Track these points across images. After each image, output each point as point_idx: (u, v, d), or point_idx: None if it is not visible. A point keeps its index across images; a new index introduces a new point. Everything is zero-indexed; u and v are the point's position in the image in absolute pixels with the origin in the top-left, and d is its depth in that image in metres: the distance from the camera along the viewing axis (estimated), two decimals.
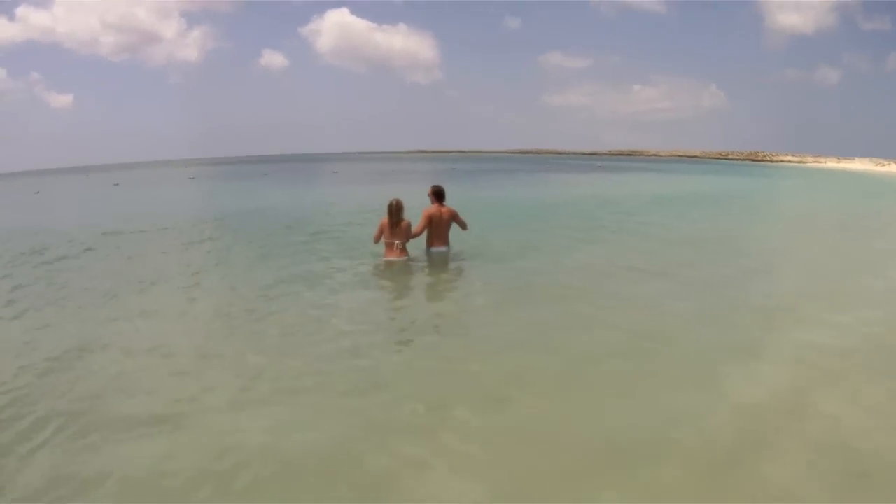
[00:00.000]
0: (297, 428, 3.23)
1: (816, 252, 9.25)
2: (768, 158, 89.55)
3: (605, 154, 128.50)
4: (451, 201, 7.65)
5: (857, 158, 68.61)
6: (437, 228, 7.40)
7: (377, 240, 7.43)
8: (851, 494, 2.60)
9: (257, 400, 3.57)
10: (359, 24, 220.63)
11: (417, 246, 7.56)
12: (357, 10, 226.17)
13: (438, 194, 7.42)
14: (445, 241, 7.49)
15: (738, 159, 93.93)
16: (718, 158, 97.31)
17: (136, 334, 5.00)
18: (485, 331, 4.97)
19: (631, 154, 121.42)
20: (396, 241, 7.20)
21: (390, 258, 7.24)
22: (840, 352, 4.31)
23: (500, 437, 3.13)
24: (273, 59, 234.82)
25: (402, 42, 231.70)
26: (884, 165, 57.21)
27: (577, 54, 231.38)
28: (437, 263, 7.26)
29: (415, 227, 7.34)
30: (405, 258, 7.23)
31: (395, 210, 7.16)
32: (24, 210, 21.13)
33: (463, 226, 7.67)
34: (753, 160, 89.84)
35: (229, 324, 5.25)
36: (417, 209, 7.70)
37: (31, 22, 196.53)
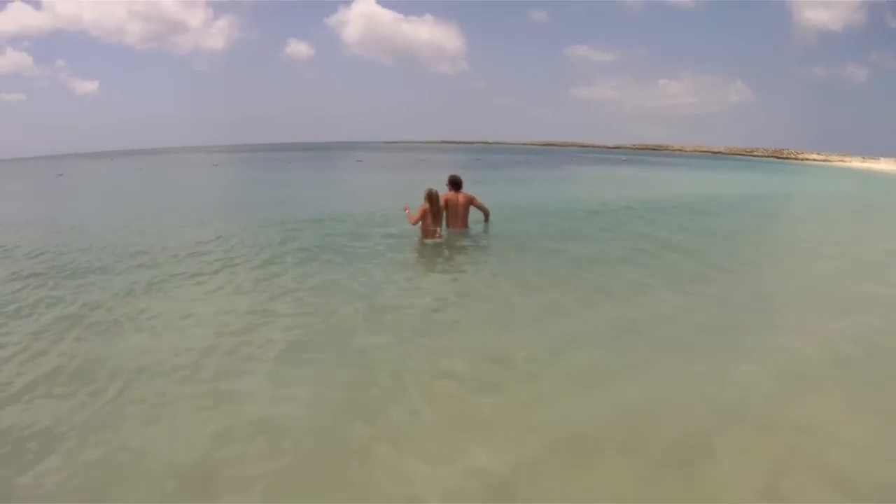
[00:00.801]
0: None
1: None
2: (793, 156, 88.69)
3: (630, 148, 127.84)
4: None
5: (882, 158, 67.91)
6: (454, 211, 8.18)
7: (415, 222, 7.96)
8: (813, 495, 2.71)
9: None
10: (385, 15, 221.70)
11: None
12: (383, 1, 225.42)
13: (455, 183, 8.22)
14: (464, 224, 8.28)
15: (762, 156, 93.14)
16: (743, 155, 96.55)
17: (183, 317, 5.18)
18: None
19: (655, 149, 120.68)
20: (438, 228, 7.97)
21: (431, 240, 7.92)
22: (821, 358, 4.35)
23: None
24: (298, 48, 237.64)
25: (428, 33, 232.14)
26: None
27: (603, 48, 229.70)
28: (457, 245, 7.83)
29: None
30: (442, 239, 7.98)
31: (437, 199, 7.90)
32: (47, 196, 21.36)
33: (484, 210, 8.63)
34: (778, 157, 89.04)
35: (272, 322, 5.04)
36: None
37: (58, 10, 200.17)
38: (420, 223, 7.98)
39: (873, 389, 3.83)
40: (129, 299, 5.80)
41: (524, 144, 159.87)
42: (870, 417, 3.45)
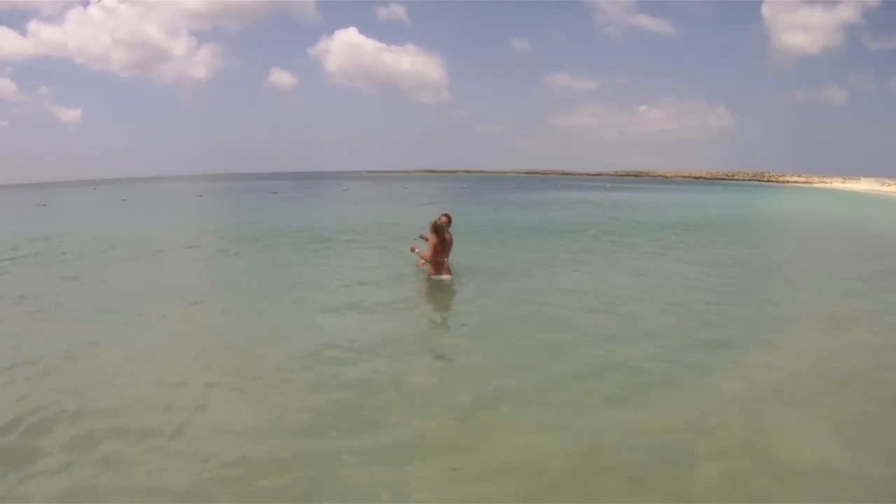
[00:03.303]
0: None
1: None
2: (774, 179, 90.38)
3: (612, 175, 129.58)
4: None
5: (862, 178, 69.26)
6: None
7: (430, 259, 7.73)
8: None
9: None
10: (368, 45, 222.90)
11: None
12: (366, 31, 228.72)
13: (450, 221, 8.10)
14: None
15: (743, 180, 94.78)
16: (724, 179, 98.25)
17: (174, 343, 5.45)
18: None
19: (637, 175, 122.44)
20: (445, 259, 7.76)
21: (441, 276, 7.69)
22: (797, 375, 4.70)
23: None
24: (281, 78, 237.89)
25: (410, 62, 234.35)
26: (889, 185, 57.70)
27: (583, 75, 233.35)
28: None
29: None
30: (451, 277, 7.73)
31: (443, 229, 7.65)
32: (29, 222, 21.05)
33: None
34: (759, 181, 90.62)
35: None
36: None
37: (43, 37, 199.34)
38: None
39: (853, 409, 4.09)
40: None
41: (505, 173, 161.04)
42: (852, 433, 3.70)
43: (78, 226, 18.85)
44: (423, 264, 7.99)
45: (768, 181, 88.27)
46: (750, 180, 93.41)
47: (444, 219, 7.84)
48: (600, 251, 11.94)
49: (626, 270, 9.76)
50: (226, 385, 4.47)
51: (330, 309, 6.77)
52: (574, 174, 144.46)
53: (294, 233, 15.02)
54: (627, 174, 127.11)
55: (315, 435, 3.67)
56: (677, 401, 4.14)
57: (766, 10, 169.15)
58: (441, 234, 7.66)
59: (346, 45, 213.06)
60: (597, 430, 3.65)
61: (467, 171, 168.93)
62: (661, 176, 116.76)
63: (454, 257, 8.25)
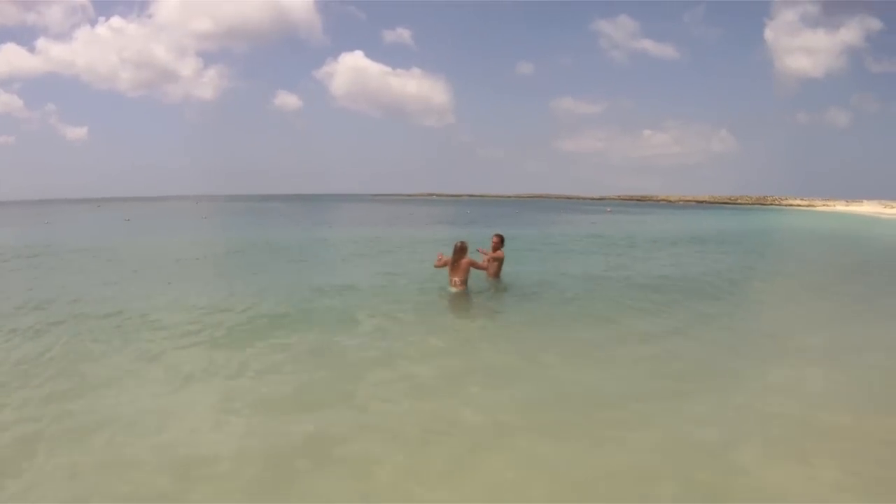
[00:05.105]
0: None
1: None
2: (777, 202, 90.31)
3: (615, 199, 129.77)
4: None
5: (865, 201, 69.13)
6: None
7: (439, 266, 8.66)
8: None
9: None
10: (373, 68, 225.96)
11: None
12: (372, 54, 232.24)
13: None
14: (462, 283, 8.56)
15: (746, 204, 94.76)
16: (727, 203, 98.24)
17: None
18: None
19: (641, 199, 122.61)
20: (455, 278, 8.29)
21: (451, 289, 8.36)
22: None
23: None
24: (287, 100, 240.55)
25: (415, 86, 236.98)
26: (892, 207, 57.49)
27: (588, 100, 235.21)
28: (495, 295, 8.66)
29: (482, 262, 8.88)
30: (464, 290, 8.31)
31: (458, 251, 8.30)
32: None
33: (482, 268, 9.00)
34: (762, 204, 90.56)
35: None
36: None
37: (52, 55, 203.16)
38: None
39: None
40: None
41: (509, 197, 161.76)
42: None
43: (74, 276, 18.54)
44: (441, 265, 8.64)
45: (771, 205, 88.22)
46: (752, 204, 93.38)
47: (461, 243, 8.35)
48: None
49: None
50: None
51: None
52: (578, 198, 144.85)
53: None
54: (631, 198, 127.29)
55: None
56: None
57: (768, 34, 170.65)
58: (455, 256, 8.30)
59: (352, 67, 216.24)
60: (554, 466, 3.57)
61: (471, 195, 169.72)
62: (664, 200, 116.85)
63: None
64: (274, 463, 3.55)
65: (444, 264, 8.49)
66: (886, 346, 6.46)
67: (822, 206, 71.74)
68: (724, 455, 3.66)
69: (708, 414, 4.32)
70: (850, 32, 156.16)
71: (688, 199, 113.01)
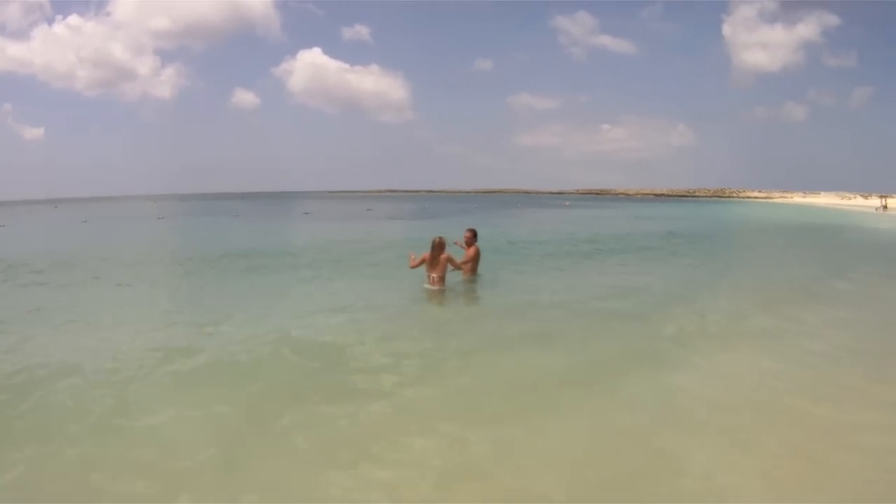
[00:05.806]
0: None
1: None
2: (734, 195, 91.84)
3: (574, 193, 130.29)
4: None
5: (822, 193, 70.56)
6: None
7: (414, 266, 8.28)
8: None
9: None
10: (331, 65, 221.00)
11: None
12: (330, 51, 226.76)
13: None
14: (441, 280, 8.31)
15: (704, 196, 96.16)
16: (685, 196, 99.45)
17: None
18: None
19: (599, 193, 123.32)
20: (433, 274, 8.04)
21: (428, 286, 8.14)
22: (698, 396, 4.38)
23: None
24: (245, 97, 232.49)
25: (373, 83, 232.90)
26: (849, 199, 58.58)
27: (547, 95, 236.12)
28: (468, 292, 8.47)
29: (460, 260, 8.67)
30: (441, 287, 8.09)
31: (436, 246, 8.05)
32: None
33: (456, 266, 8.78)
34: (720, 197, 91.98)
35: None
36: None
37: (9, 53, 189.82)
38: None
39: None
40: None
41: (468, 192, 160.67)
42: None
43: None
44: (416, 265, 8.33)
45: (728, 197, 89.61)
46: (710, 196, 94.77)
47: (439, 239, 8.16)
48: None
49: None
50: None
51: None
52: (536, 192, 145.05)
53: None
54: (589, 192, 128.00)
55: None
56: None
57: (726, 30, 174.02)
58: (434, 252, 8.08)
59: (310, 64, 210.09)
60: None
61: (430, 191, 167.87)
62: (623, 193, 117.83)
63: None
64: None
65: (420, 262, 8.20)
66: (830, 330, 6.37)
67: (779, 198, 72.84)
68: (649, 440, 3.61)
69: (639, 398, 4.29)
70: (808, 28, 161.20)
71: (646, 192, 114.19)
